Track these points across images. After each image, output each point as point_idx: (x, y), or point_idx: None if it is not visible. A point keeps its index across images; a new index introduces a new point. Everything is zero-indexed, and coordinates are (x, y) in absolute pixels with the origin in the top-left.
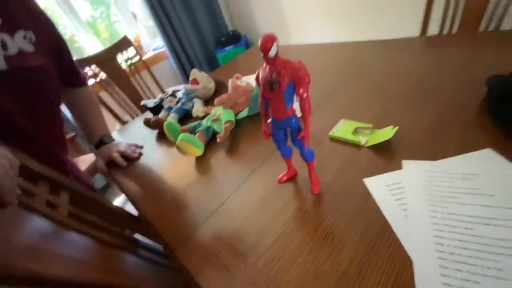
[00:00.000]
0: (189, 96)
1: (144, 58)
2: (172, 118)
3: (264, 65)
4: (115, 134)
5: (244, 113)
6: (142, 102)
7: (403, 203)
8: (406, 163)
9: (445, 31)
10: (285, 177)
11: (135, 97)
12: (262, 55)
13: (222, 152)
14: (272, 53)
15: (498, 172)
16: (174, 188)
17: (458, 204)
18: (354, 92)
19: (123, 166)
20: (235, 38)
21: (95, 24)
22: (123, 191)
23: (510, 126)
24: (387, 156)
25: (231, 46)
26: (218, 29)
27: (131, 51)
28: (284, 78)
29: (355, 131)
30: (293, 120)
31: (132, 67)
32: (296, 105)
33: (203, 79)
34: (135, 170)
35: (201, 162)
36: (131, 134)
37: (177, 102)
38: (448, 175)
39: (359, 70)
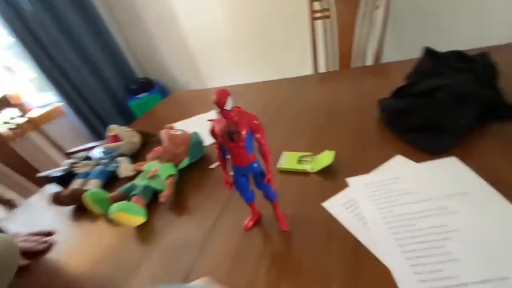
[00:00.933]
0: (111, 155)
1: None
2: (94, 185)
3: (218, 117)
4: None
5: (185, 162)
6: (41, 174)
7: (361, 217)
8: (349, 180)
9: (330, 67)
10: (251, 223)
11: (24, 168)
12: (218, 110)
13: (169, 212)
14: (228, 106)
15: (410, 173)
16: (114, 278)
17: (398, 205)
18: (285, 126)
19: (24, 265)
20: (147, 85)
21: None
22: None
23: (406, 136)
24: (332, 177)
25: (145, 94)
26: (125, 77)
27: (9, 111)
28: (243, 127)
29: (299, 161)
30: (255, 165)
31: (18, 130)
32: None
33: (126, 134)
34: (44, 270)
35: (145, 230)
36: (28, 219)
37: (96, 165)
38: (382, 183)
39: (281, 106)
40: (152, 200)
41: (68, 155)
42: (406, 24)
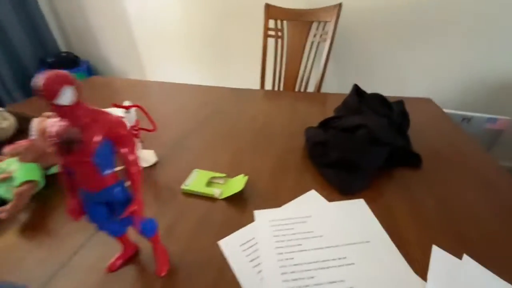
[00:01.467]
0: None
1: None
2: None
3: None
4: None
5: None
6: None
7: (257, 263)
8: (257, 214)
9: (276, 86)
10: (119, 261)
11: None
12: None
13: (11, 234)
14: (63, 100)
15: (321, 212)
16: None
17: (301, 252)
18: (207, 139)
19: None
20: (70, 62)
21: None
22: None
23: (323, 169)
24: (240, 207)
25: (66, 70)
26: (43, 49)
27: None
28: (92, 134)
29: (209, 182)
30: (116, 190)
31: None
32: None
33: None
34: None
35: None
36: None
37: None
38: (289, 221)
39: (212, 115)
40: None
41: None
42: (345, 60)
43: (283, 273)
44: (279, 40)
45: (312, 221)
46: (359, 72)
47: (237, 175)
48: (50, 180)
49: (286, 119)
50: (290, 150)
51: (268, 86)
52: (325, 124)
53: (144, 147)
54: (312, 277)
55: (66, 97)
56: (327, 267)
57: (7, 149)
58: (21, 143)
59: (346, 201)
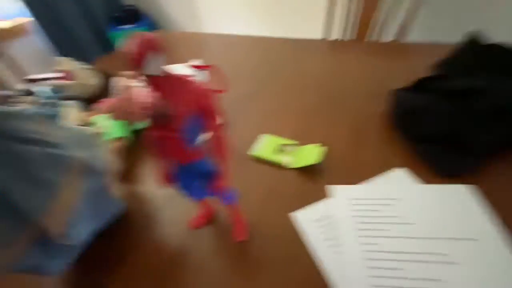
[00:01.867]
0: (56, 96)
1: None
2: None
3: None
4: None
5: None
6: None
7: (334, 242)
8: (333, 189)
9: (347, 34)
10: (200, 221)
11: None
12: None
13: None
14: (151, 69)
15: (412, 196)
16: None
17: (386, 238)
18: (272, 101)
19: None
20: (134, 16)
21: None
22: None
23: (417, 144)
24: (312, 179)
25: (130, 26)
26: (109, 1)
27: None
28: (181, 108)
29: (279, 149)
30: (203, 164)
31: None
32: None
33: (81, 73)
34: None
35: None
36: None
37: (32, 104)
38: (372, 201)
39: (273, 71)
40: None
41: (29, 82)
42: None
43: (366, 259)
44: None
45: (401, 205)
46: (464, 14)
47: (307, 143)
48: (135, 135)
49: (360, 77)
50: (369, 116)
51: (335, 35)
52: (420, 86)
53: None
54: (401, 269)
55: (155, 66)
56: (419, 261)
57: (103, 106)
58: (113, 101)
59: (446, 185)
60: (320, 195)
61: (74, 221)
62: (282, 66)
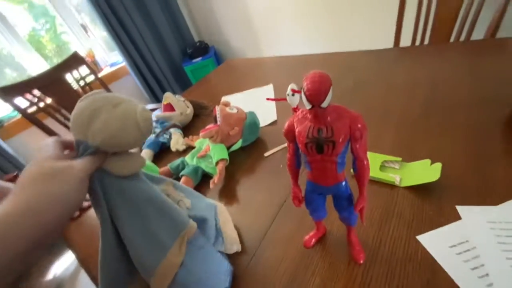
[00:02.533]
0: (164, 125)
1: (101, 75)
2: (146, 155)
3: (303, 112)
4: None
5: (237, 146)
6: None
7: (483, 273)
8: (462, 210)
9: (417, 42)
10: (313, 240)
11: None
12: (309, 106)
13: (217, 199)
14: (325, 103)
15: None
16: None
17: None
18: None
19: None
20: (202, 50)
21: (37, 37)
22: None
23: None
24: (430, 198)
25: (199, 58)
26: (183, 40)
27: (83, 69)
28: (339, 135)
29: (382, 166)
30: (344, 186)
31: (87, 87)
32: None
33: (180, 104)
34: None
35: None
36: None
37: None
38: None
39: (356, 85)
40: (200, 181)
41: None
42: None
43: None
44: None
45: None
46: None
47: (412, 159)
48: (231, 157)
49: (460, 81)
50: (487, 125)
51: (405, 41)
52: None
53: None
54: None
55: (327, 100)
56: None
57: (202, 133)
58: (211, 128)
59: None
60: (445, 217)
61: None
62: (364, 79)
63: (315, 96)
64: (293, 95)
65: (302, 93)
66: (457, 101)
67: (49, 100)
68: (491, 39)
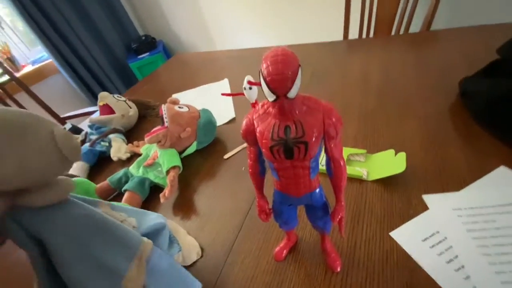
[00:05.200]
0: (101, 131)
1: (20, 74)
2: (79, 169)
3: (264, 107)
4: None
5: (191, 149)
6: None
7: (458, 265)
8: (429, 200)
9: (363, 35)
10: (285, 251)
11: None
12: (272, 97)
13: (171, 214)
14: (293, 92)
15: None
16: None
17: None
18: None
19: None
20: (149, 44)
21: None
22: None
23: None
24: (397, 190)
25: (146, 54)
26: (126, 35)
27: None
28: (311, 133)
29: (347, 160)
30: (318, 194)
31: (0, 90)
32: None
33: (120, 105)
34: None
35: None
36: None
37: (83, 142)
38: (484, 210)
39: (314, 78)
40: (149, 195)
41: (62, 120)
42: None
43: (497, 272)
44: None
45: None
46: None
47: (376, 150)
48: (187, 160)
49: (410, 72)
50: (439, 113)
51: (352, 35)
52: (490, 71)
53: None
54: None
55: (296, 88)
56: None
57: (147, 137)
58: (158, 131)
59: None
60: (414, 208)
61: None
62: (320, 71)
63: (279, 83)
64: (250, 88)
65: (261, 79)
66: (408, 91)
67: None
68: (428, 31)
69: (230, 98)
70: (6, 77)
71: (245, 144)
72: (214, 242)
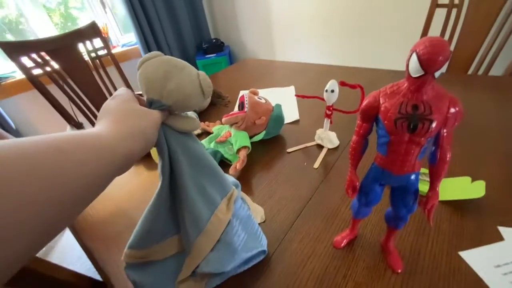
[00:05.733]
0: None
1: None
2: None
3: (393, 87)
4: None
5: (259, 136)
6: None
7: None
8: (505, 232)
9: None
10: (345, 241)
11: (96, 95)
12: (419, 72)
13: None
14: (438, 72)
15: None
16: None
17: None
18: None
19: None
20: (218, 47)
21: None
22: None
23: None
24: (469, 214)
25: (213, 55)
26: (200, 35)
27: (96, 42)
28: (437, 114)
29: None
30: (414, 177)
31: (97, 61)
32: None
33: None
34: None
35: None
36: None
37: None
38: None
39: None
40: None
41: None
42: None
43: None
44: (454, 10)
45: None
46: None
47: (449, 175)
48: (253, 147)
49: (489, 111)
50: None
51: None
52: None
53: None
54: None
55: (440, 71)
56: None
57: (225, 117)
58: (237, 114)
59: None
60: (487, 235)
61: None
62: None
63: (434, 61)
64: (332, 91)
65: (414, 56)
66: (487, 128)
67: (56, 66)
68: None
69: (295, 102)
70: (103, 52)
71: (307, 144)
72: (273, 219)
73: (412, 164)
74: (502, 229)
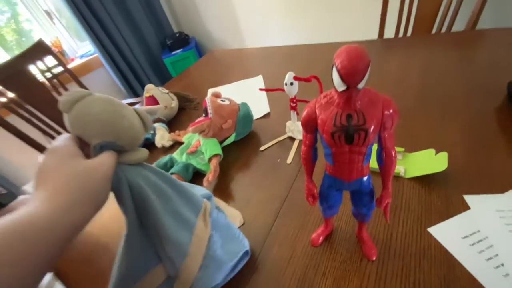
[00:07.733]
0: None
1: (70, 66)
2: None
3: (327, 97)
4: None
5: (230, 140)
6: None
7: (498, 263)
8: (471, 200)
9: (400, 34)
10: (321, 238)
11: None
12: (342, 87)
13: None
14: (362, 84)
15: None
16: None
17: None
18: None
19: None
20: (183, 41)
21: None
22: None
23: None
24: (435, 188)
25: (180, 50)
26: (161, 31)
27: (49, 60)
28: (371, 122)
29: None
30: (367, 180)
31: (54, 80)
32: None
33: (164, 97)
34: None
35: None
36: None
37: None
38: None
39: None
40: (191, 179)
41: None
42: None
43: None
44: None
45: None
46: None
47: (414, 148)
48: (225, 151)
49: (453, 72)
50: (483, 115)
51: (388, 33)
52: None
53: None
54: None
55: (365, 80)
56: None
57: (191, 127)
58: (202, 121)
59: None
60: (454, 207)
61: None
62: None
63: (353, 75)
64: (291, 84)
65: (335, 71)
66: (450, 90)
67: (11, 95)
68: (473, 30)
69: (264, 94)
70: (59, 69)
71: (279, 138)
72: (252, 226)
73: (360, 171)
74: (467, 198)
